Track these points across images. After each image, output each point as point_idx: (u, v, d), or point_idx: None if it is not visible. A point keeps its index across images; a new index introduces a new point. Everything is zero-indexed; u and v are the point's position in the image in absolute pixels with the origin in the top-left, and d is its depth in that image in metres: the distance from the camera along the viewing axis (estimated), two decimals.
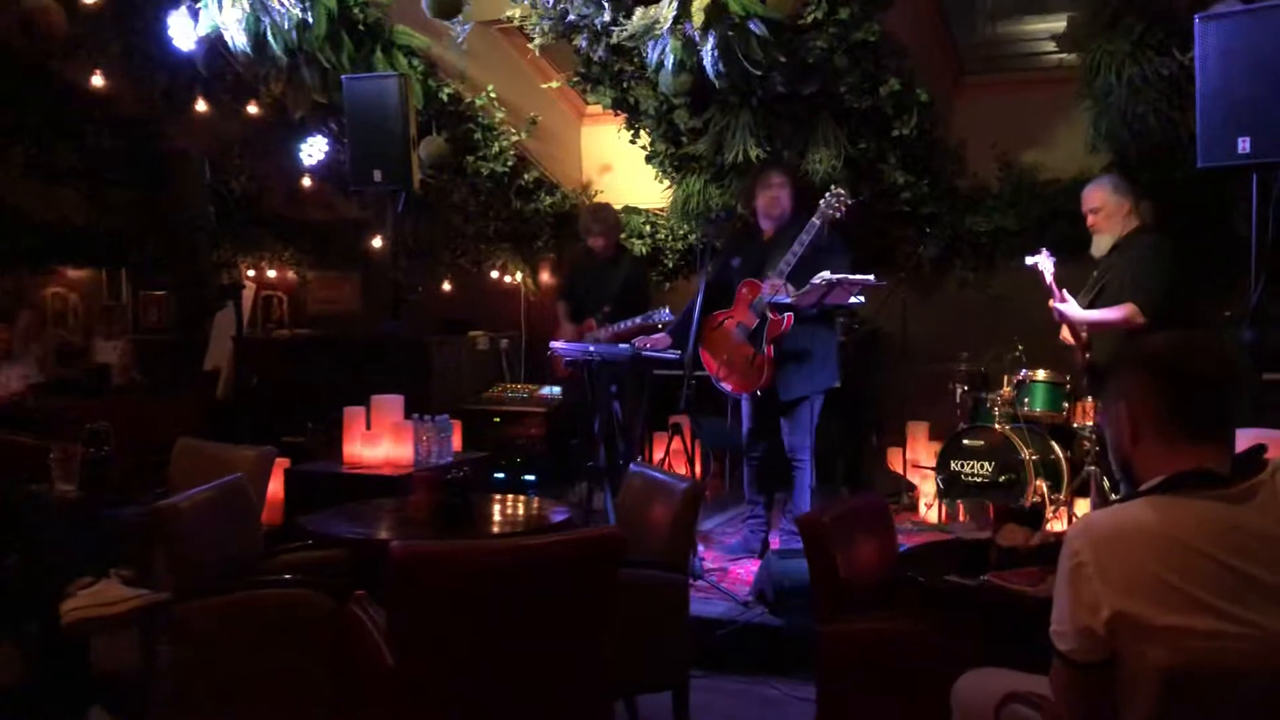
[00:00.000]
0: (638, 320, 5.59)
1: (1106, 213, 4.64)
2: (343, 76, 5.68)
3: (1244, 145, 3.99)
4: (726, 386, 5.14)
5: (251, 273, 8.86)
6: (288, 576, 3.30)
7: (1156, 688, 1.77)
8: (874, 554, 3.19)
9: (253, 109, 6.24)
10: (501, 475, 6.79)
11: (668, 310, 5.58)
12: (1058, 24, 6.56)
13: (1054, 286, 4.65)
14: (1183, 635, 1.76)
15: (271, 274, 9.04)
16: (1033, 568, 2.62)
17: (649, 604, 3.32)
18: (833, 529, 3.02)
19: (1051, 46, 6.69)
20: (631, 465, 4.16)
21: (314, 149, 6.65)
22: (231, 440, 4.46)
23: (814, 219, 4.82)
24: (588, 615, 2.74)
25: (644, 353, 4.95)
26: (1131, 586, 1.79)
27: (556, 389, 6.95)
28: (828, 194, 4.85)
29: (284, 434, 6.62)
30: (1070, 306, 4.57)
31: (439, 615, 2.61)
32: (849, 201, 4.87)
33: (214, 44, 5.81)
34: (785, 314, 4.84)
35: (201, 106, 6.14)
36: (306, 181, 7.32)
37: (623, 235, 7.51)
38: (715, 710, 3.85)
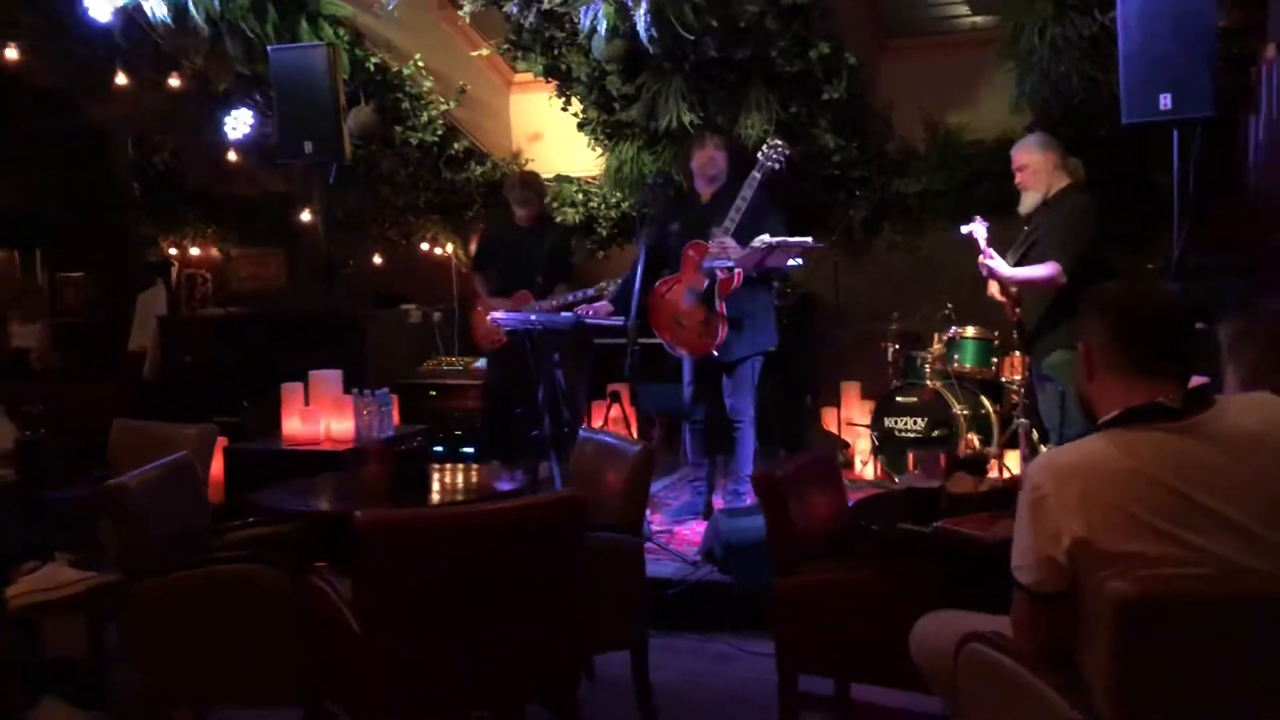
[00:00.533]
0: (590, 292, 5.57)
1: (1033, 169, 4.73)
2: (269, 47, 5.55)
3: (1165, 102, 4.11)
4: (681, 351, 5.13)
5: (174, 251, 8.65)
6: (242, 553, 3.27)
7: (1115, 618, 1.84)
8: (826, 507, 3.28)
9: (174, 82, 6.07)
10: (440, 448, 6.76)
11: (615, 282, 5.58)
12: None
13: (981, 243, 4.75)
14: (1141, 562, 1.84)
15: (194, 251, 8.83)
16: (982, 514, 2.71)
17: (607, 566, 3.35)
18: (786, 484, 3.09)
19: (965, 10, 6.79)
20: (581, 431, 4.19)
21: (239, 122, 6.51)
22: (164, 421, 4.37)
23: (754, 172, 4.84)
24: (554, 578, 2.77)
25: (587, 321, 4.96)
26: (1091, 515, 1.87)
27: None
28: (765, 146, 4.87)
29: (216, 413, 6.52)
30: (997, 263, 4.67)
31: (406, 583, 2.62)
32: (786, 151, 4.90)
33: (132, 15, 5.63)
34: (734, 270, 4.85)
35: (121, 80, 5.96)
36: (232, 156, 7.15)
37: (554, 204, 7.52)
38: (670, 668, 3.90)
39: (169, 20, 5.55)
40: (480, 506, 2.78)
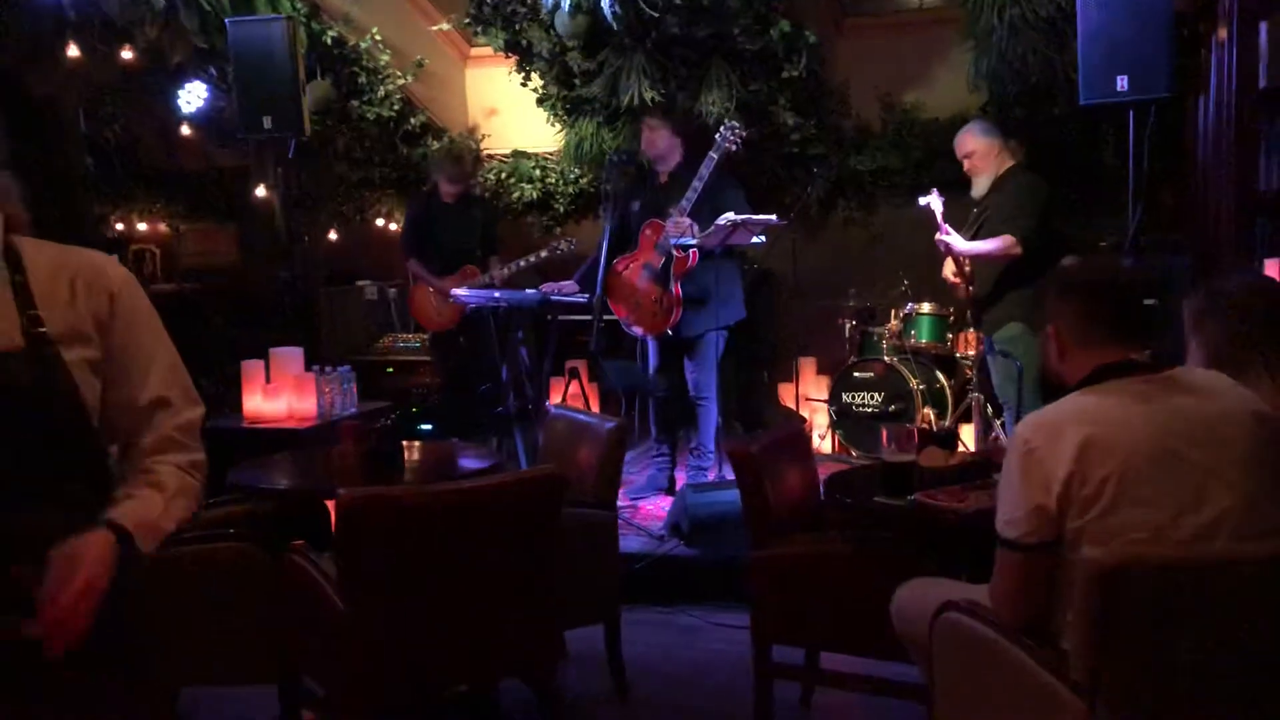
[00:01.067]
0: (543, 254, 5.58)
1: (980, 154, 4.85)
2: (227, 20, 5.46)
3: (1122, 83, 4.21)
4: (637, 330, 5.17)
5: (120, 226, 8.50)
6: (222, 531, 3.24)
7: (1090, 585, 1.89)
8: (798, 481, 3.34)
9: (127, 54, 5.93)
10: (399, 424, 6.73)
11: (573, 240, 5.60)
12: None
13: (939, 218, 4.84)
14: (1126, 502, 1.93)
15: (142, 227, 8.68)
16: (954, 487, 2.77)
17: (581, 541, 3.39)
18: (761, 459, 3.14)
19: None
20: (552, 408, 4.21)
21: (193, 96, 6.39)
22: None
23: (710, 152, 4.86)
24: (533, 553, 2.80)
25: (553, 298, 4.97)
26: (1086, 455, 1.96)
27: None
28: (722, 127, 4.90)
29: None
30: (954, 238, 4.77)
31: (389, 560, 2.64)
32: (743, 133, 4.93)
33: None
34: (690, 250, 4.90)
35: (73, 52, 5.81)
36: (185, 130, 7.02)
37: (511, 179, 7.50)
38: (640, 641, 3.95)
39: None
40: (464, 484, 2.78)
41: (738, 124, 4.93)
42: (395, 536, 2.61)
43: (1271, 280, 3.43)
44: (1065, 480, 1.96)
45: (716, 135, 4.88)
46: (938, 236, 4.83)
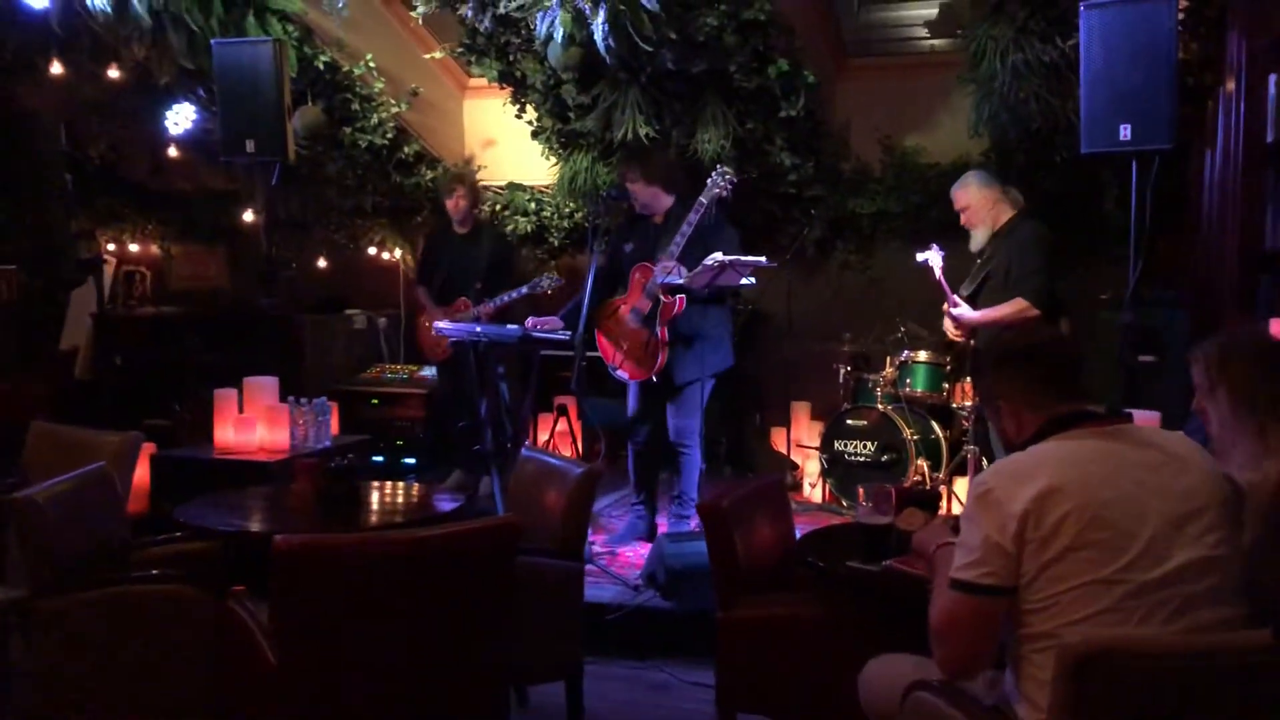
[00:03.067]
0: (524, 290, 5.49)
1: (975, 208, 4.78)
2: (213, 41, 5.36)
3: (1125, 132, 4.09)
4: (623, 374, 5.05)
5: (111, 246, 8.38)
6: (157, 572, 3.09)
7: (1062, 670, 1.80)
8: (771, 537, 3.18)
9: (113, 73, 5.84)
10: (380, 459, 6.60)
11: (555, 275, 5.49)
12: (930, 10, 6.64)
13: (945, 286, 4.73)
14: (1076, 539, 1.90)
15: (134, 248, 8.56)
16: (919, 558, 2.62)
17: (542, 592, 3.24)
18: (732, 514, 2.99)
19: (924, 32, 6.78)
20: (523, 450, 4.06)
21: (180, 116, 6.29)
22: (92, 423, 4.18)
23: (700, 198, 4.75)
24: (484, 608, 2.65)
25: (534, 333, 4.83)
26: (1036, 497, 1.93)
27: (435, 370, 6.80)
28: (714, 173, 4.79)
29: (148, 416, 6.32)
30: (964, 310, 4.67)
31: (326, 611, 2.48)
32: (734, 180, 4.83)
33: (70, 2, 5.42)
34: (677, 296, 4.79)
35: (57, 69, 5.72)
36: (172, 151, 6.92)
37: (506, 212, 7.39)
38: (607, 698, 3.79)
39: (109, 9, 5.34)
40: (406, 533, 2.62)
41: (729, 170, 4.80)
42: (331, 586, 2.45)
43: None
44: (1020, 518, 1.92)
45: (708, 180, 4.76)
46: (946, 308, 4.73)
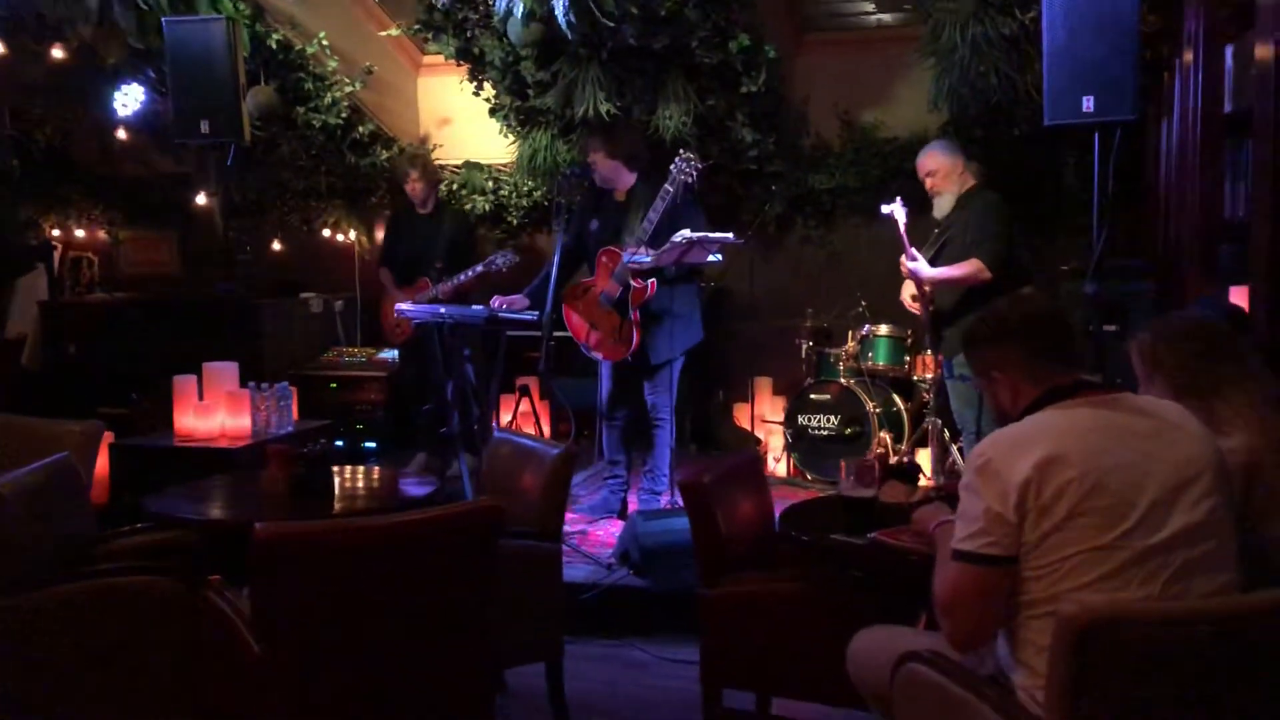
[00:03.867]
0: (479, 269, 5.43)
1: (943, 174, 4.75)
2: (163, 19, 5.23)
3: (1088, 104, 4.11)
4: (597, 355, 5.04)
5: (57, 232, 8.18)
6: (129, 564, 3.03)
7: (1062, 640, 1.80)
8: (752, 513, 3.18)
9: (58, 53, 5.68)
10: (341, 443, 6.52)
11: (510, 252, 5.44)
12: None
13: (905, 240, 4.72)
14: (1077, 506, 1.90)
15: (80, 233, 8.36)
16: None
17: (522, 574, 3.21)
18: (713, 490, 2.98)
19: (871, 7, 6.78)
20: (496, 432, 4.03)
21: (129, 98, 6.14)
22: (42, 413, 4.07)
23: (667, 185, 4.70)
24: (467, 591, 2.62)
25: (500, 314, 4.79)
26: (1037, 466, 1.93)
27: (395, 353, 6.74)
28: (678, 158, 4.72)
29: (103, 405, 6.19)
30: (921, 265, 4.66)
31: (309, 600, 2.44)
32: (700, 166, 4.79)
33: None
34: (649, 280, 4.77)
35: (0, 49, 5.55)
36: (121, 134, 6.75)
37: (463, 191, 7.31)
38: (586, 676, 3.78)
39: None
40: (389, 518, 2.58)
41: (694, 156, 4.76)
42: (314, 575, 2.41)
43: (1216, 309, 3.38)
44: (1021, 487, 1.93)
45: (671, 167, 4.71)
46: (903, 261, 4.71)
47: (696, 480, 2.95)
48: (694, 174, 4.72)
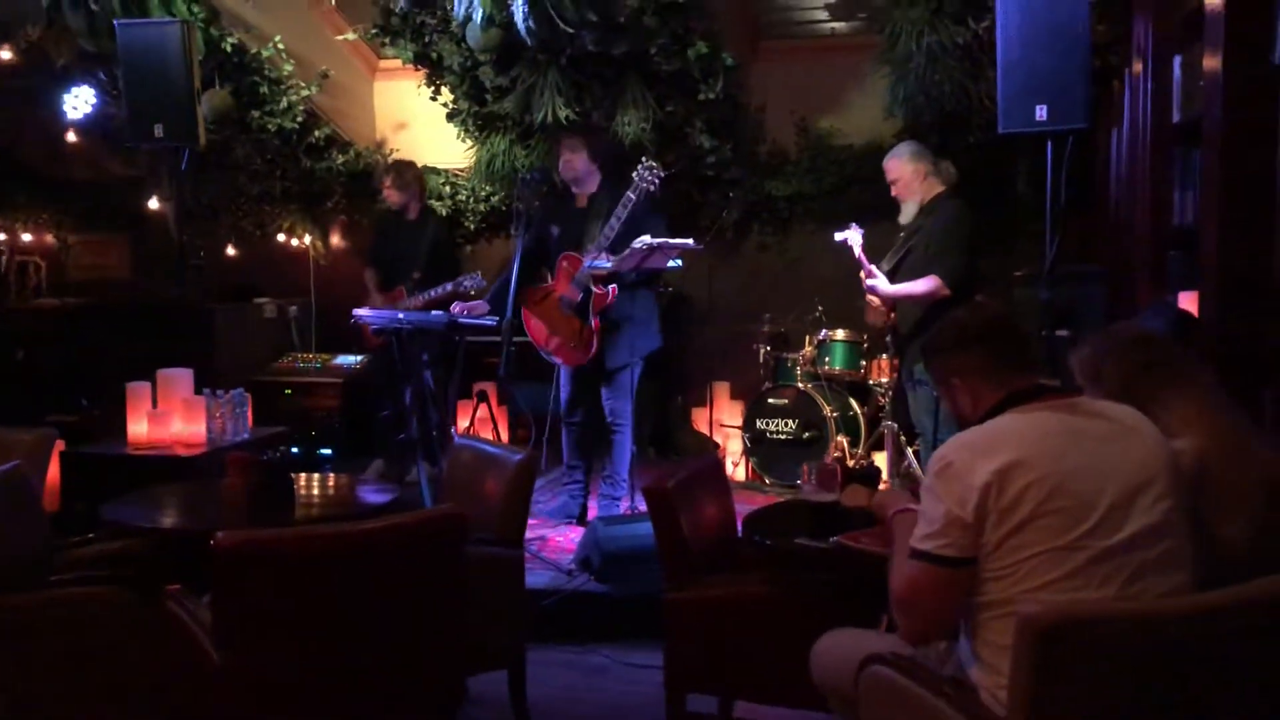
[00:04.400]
0: (448, 287, 5.41)
1: (905, 181, 4.77)
2: (116, 22, 5.17)
3: (1041, 113, 4.18)
4: (557, 359, 5.06)
5: (2, 235, 8.02)
6: (84, 574, 2.98)
7: (1024, 640, 1.82)
8: (715, 517, 3.20)
9: (6, 54, 5.58)
10: (296, 450, 6.44)
11: (479, 275, 5.42)
12: None
13: (864, 259, 4.77)
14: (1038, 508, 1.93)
15: (26, 237, 8.20)
16: (877, 528, 2.66)
17: (483, 581, 3.18)
18: (677, 495, 2.99)
19: (825, 15, 6.85)
20: (457, 438, 4.01)
21: (80, 101, 6.05)
22: None
23: (629, 192, 4.71)
24: (431, 599, 2.61)
25: (460, 320, 4.77)
26: (998, 470, 1.96)
27: (352, 358, 6.68)
28: (640, 166, 4.73)
29: (52, 412, 6.08)
30: (880, 282, 4.70)
31: (271, 608, 2.43)
32: (662, 174, 4.80)
33: None
34: (609, 286, 4.78)
35: None
36: (71, 136, 6.65)
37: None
38: (547, 682, 3.77)
39: None
40: (354, 526, 2.57)
41: (656, 164, 4.77)
42: (276, 583, 2.39)
43: (1166, 315, 3.44)
44: (982, 490, 1.95)
45: (634, 174, 4.71)
46: (864, 279, 4.76)
47: (660, 486, 2.96)
48: (656, 182, 4.74)
